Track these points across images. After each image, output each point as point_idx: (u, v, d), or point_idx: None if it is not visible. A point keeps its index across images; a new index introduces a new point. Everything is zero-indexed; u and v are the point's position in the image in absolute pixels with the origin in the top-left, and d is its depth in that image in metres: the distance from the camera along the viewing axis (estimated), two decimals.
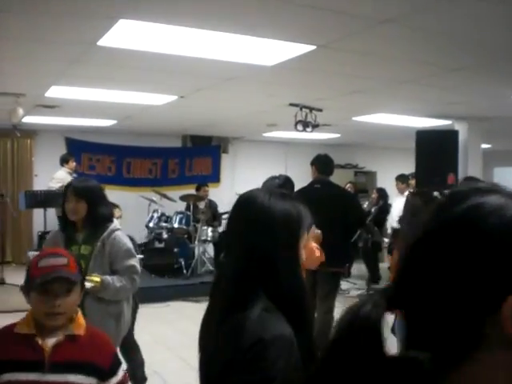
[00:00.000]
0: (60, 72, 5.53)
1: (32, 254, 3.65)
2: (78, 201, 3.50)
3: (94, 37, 4.13)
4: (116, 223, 3.66)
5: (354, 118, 8.89)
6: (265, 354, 1.46)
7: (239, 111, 8.50)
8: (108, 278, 3.46)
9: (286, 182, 4.60)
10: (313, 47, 4.48)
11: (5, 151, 11.36)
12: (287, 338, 1.50)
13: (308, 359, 1.50)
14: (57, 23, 3.84)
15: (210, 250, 10.86)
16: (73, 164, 10.41)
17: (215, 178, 13.17)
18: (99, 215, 3.55)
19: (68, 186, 3.66)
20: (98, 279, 3.39)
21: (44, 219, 9.53)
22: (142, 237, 10.96)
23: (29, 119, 9.52)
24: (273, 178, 4.60)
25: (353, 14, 3.65)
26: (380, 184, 12.73)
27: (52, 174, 10.26)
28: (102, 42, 4.24)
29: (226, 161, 13.35)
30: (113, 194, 11.72)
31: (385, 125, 9.42)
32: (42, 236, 10.57)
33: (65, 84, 6.29)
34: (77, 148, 11.63)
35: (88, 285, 3.23)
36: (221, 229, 10.87)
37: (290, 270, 1.61)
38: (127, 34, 4.02)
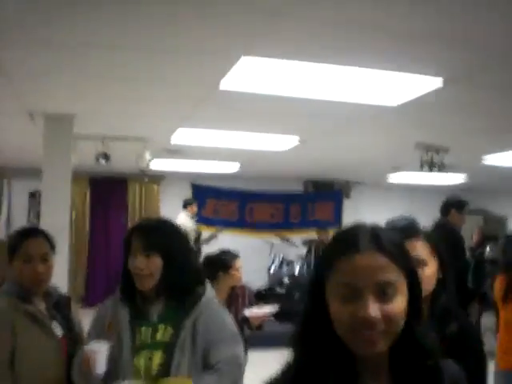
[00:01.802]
0: (184, 115, 5.64)
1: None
2: (149, 254, 2.27)
3: (216, 77, 4.14)
4: (209, 289, 2.41)
5: (484, 158, 8.43)
6: None
7: (362, 154, 8.32)
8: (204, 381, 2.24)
9: (404, 224, 4.03)
10: (441, 83, 4.26)
11: (133, 196, 11.81)
12: None
13: None
14: (177, 62, 3.88)
15: None
16: (194, 208, 10.57)
17: (337, 223, 12.95)
18: (185, 276, 2.31)
19: (132, 230, 2.40)
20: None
21: None
22: (263, 282, 10.95)
23: (156, 164, 9.82)
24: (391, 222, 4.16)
25: (484, 45, 3.42)
26: None
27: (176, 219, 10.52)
28: (224, 83, 4.25)
29: (348, 206, 13.13)
30: (235, 238, 11.99)
31: None
32: None
33: (189, 126, 6.42)
34: (202, 193, 11.90)
35: None
36: None
37: None
38: (249, 73, 4.00)
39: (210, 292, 2.40)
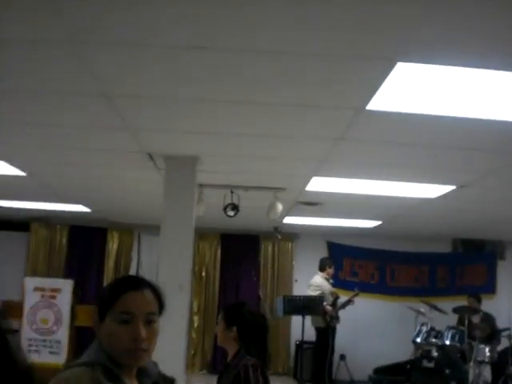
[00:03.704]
0: (322, 155, 4.82)
1: None
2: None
3: (362, 98, 3.32)
4: None
5: None
6: None
7: None
8: None
9: None
10: None
11: (266, 255, 11.13)
12: None
13: None
14: (316, 83, 3.12)
15: (488, 373, 9.20)
16: (331, 270, 9.84)
17: (490, 288, 11.48)
18: None
19: None
20: None
21: (302, 328, 8.80)
22: (407, 353, 9.74)
23: (289, 220, 9.13)
24: None
25: None
26: None
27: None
28: (372, 106, 3.41)
29: (502, 268, 11.64)
30: (375, 303, 10.94)
31: None
32: (300, 346, 9.89)
33: (327, 174, 5.62)
34: (339, 252, 11.03)
35: None
36: (500, 347, 9.23)
37: None
38: (403, 91, 3.15)
39: None
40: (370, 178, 5.75)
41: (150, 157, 5.05)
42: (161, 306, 1.93)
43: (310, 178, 5.81)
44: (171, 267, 4.97)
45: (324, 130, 4.09)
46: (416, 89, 3.17)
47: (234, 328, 3.44)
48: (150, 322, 1.85)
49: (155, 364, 2.06)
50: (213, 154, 5.02)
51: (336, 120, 3.78)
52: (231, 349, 3.47)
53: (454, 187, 5.94)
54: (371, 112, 3.50)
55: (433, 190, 6.20)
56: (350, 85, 3.16)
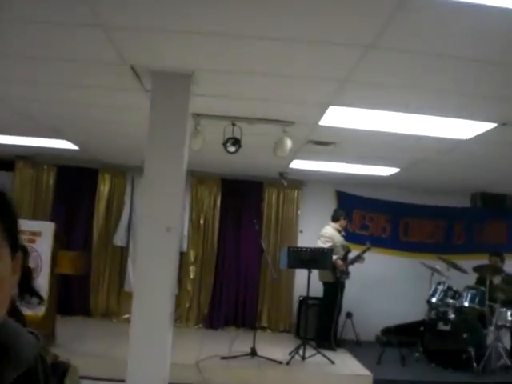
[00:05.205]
0: (344, 73, 3.89)
1: None
2: None
3: None
4: None
5: None
6: None
7: None
8: None
9: None
10: None
11: (270, 203, 10.25)
12: None
13: None
14: None
15: (507, 339, 8.45)
16: (344, 222, 9.09)
17: (510, 247, 10.65)
18: None
19: None
20: None
21: (308, 282, 7.99)
22: (420, 313, 8.99)
23: (297, 165, 8.27)
24: None
25: None
26: None
27: (319, 231, 8.92)
28: None
29: None
30: (386, 259, 10.15)
31: None
32: (304, 301, 9.13)
33: (347, 102, 4.71)
34: (348, 203, 10.16)
35: None
36: None
37: None
38: None
39: None
40: (396, 110, 4.84)
41: (134, 71, 4.13)
42: (10, 229, 1.05)
43: (327, 107, 4.89)
44: (157, 206, 4.12)
45: (356, 30, 3.12)
46: None
47: None
48: None
49: (34, 339, 1.15)
50: (210, 70, 4.09)
51: (372, 15, 2.84)
52: None
53: (494, 125, 5.02)
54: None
55: (469, 129, 5.28)
56: None
